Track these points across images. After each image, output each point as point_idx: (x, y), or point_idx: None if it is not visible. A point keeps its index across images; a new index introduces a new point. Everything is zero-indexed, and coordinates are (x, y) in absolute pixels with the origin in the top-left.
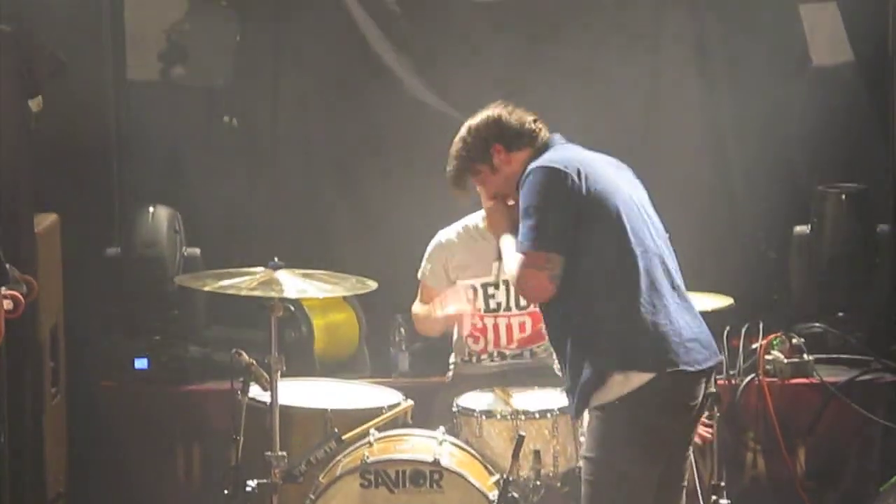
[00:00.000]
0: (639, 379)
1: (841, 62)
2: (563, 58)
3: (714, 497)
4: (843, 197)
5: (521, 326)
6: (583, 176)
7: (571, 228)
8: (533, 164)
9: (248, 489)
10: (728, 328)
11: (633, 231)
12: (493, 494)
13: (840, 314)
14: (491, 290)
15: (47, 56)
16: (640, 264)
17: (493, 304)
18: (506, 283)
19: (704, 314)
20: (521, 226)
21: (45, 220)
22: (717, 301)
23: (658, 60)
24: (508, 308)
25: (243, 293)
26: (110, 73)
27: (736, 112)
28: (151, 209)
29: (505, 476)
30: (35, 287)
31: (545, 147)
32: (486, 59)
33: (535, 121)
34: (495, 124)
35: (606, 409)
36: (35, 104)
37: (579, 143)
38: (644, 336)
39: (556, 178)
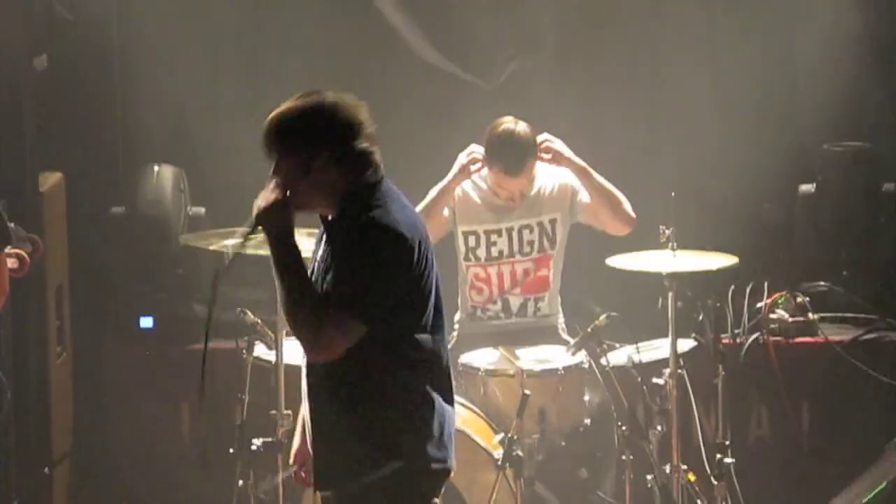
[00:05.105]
0: None
1: (847, 20)
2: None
3: (719, 456)
4: (849, 156)
5: (525, 272)
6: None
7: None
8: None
9: (254, 448)
10: (733, 287)
11: None
12: (498, 453)
13: (845, 273)
14: (493, 238)
15: (52, 14)
16: None
17: (494, 252)
18: (508, 230)
19: (709, 273)
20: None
21: (50, 179)
22: (721, 260)
23: (661, 19)
24: (511, 255)
25: (248, 252)
26: (115, 30)
27: (741, 70)
28: (156, 168)
29: (509, 434)
30: (40, 245)
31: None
32: (493, 18)
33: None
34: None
35: None
36: (40, 62)
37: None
38: None
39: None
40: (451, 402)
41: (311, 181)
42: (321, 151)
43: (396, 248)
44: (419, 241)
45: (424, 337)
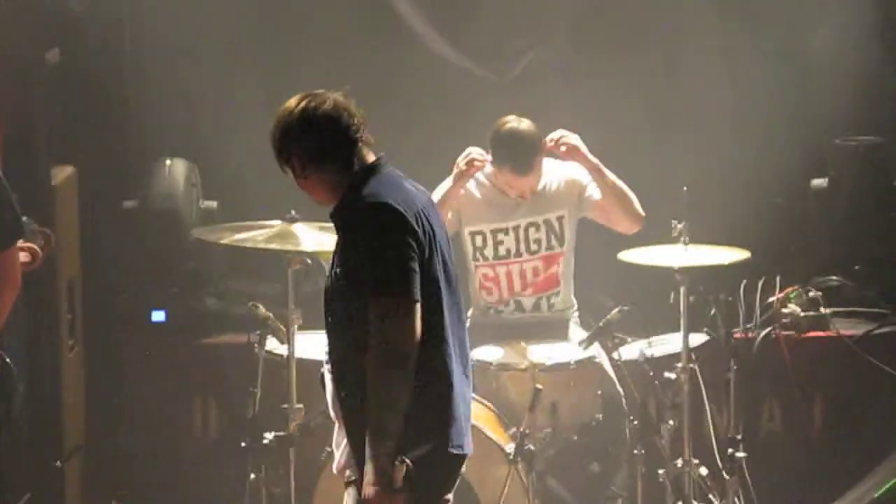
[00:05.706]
0: None
1: (861, 15)
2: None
3: (730, 450)
4: (860, 150)
5: (535, 271)
6: None
7: None
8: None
9: (265, 441)
10: (745, 282)
11: None
12: (510, 447)
13: (857, 267)
14: (500, 237)
15: (64, 8)
16: None
17: (502, 251)
18: (515, 228)
19: (721, 268)
20: None
21: (63, 173)
22: (734, 254)
23: (675, 14)
24: (519, 254)
25: (260, 246)
26: (127, 24)
27: (755, 65)
28: (168, 162)
29: (521, 429)
30: (52, 239)
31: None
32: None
33: None
34: None
35: None
36: (52, 56)
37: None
38: None
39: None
40: (467, 384)
41: (302, 183)
42: (291, 157)
43: (389, 219)
44: (416, 214)
45: (438, 312)
